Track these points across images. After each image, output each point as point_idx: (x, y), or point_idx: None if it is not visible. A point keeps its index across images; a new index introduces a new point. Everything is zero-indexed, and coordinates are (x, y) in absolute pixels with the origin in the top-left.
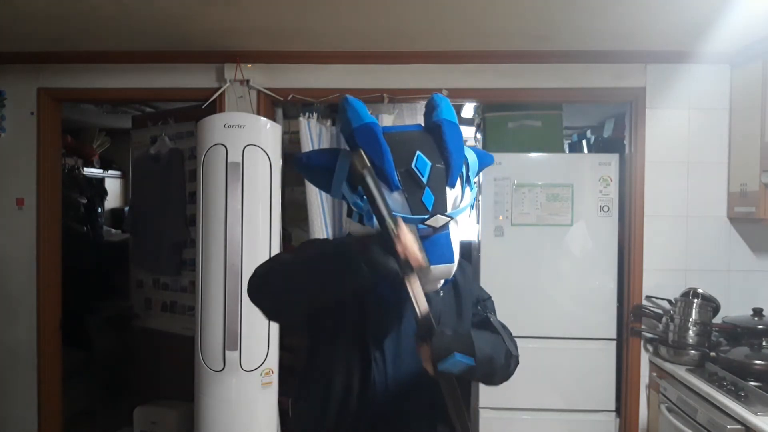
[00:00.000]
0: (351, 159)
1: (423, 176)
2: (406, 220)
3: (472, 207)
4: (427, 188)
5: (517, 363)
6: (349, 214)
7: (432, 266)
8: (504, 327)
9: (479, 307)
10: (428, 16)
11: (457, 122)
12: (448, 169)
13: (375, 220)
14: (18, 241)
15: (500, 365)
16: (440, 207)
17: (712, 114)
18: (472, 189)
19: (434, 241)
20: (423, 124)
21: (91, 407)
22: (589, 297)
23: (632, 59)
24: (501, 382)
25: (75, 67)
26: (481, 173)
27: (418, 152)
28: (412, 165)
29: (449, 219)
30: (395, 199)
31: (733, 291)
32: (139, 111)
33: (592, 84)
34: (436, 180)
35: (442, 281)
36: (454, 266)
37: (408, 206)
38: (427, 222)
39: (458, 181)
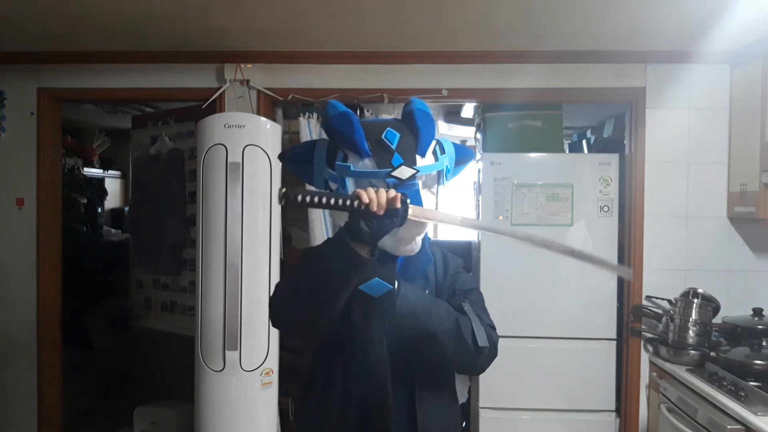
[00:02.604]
0: (328, 143)
1: (392, 144)
2: (371, 175)
3: (445, 179)
4: (396, 153)
5: (490, 355)
6: None
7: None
8: (481, 318)
9: (456, 296)
10: (428, 16)
11: (429, 112)
12: (417, 140)
13: (348, 187)
14: (18, 241)
15: (446, 330)
16: (409, 165)
17: (712, 114)
18: (448, 170)
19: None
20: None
21: (91, 407)
22: (589, 297)
23: (632, 59)
24: (463, 364)
25: (75, 67)
26: (480, 173)
27: (388, 128)
28: (382, 136)
29: (415, 171)
30: (366, 165)
31: (733, 291)
32: (139, 111)
33: (592, 84)
34: (405, 148)
35: (418, 240)
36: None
37: (377, 168)
38: (393, 174)
39: (431, 155)
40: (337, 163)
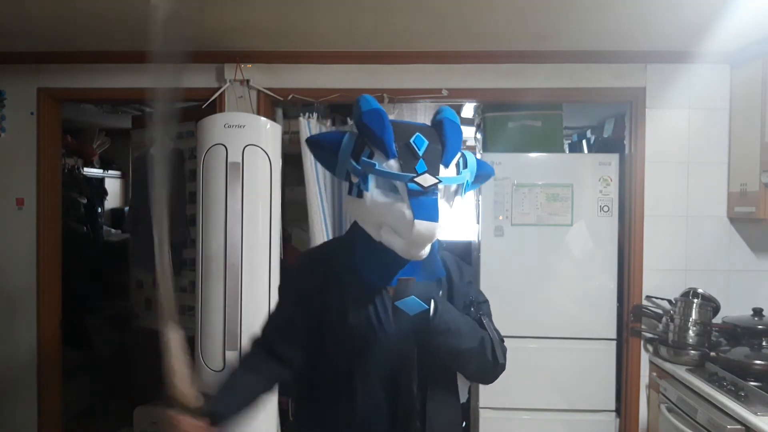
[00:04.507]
0: (356, 137)
1: (419, 150)
2: (394, 176)
3: (464, 192)
4: (421, 159)
5: (502, 368)
6: (350, 191)
7: (416, 220)
8: (496, 332)
9: (473, 309)
10: (428, 16)
11: (459, 123)
12: (443, 150)
13: (369, 184)
14: (18, 241)
15: (473, 348)
16: (432, 174)
17: (712, 114)
18: (468, 183)
19: (421, 201)
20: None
21: (91, 407)
22: (589, 297)
23: (632, 59)
24: (482, 377)
25: (75, 67)
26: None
27: (417, 133)
28: (411, 140)
29: (437, 181)
30: (391, 166)
31: (733, 291)
32: (139, 111)
33: (592, 84)
34: (431, 156)
35: (428, 247)
36: (437, 227)
37: (401, 171)
38: (415, 179)
39: (453, 167)
40: (363, 158)
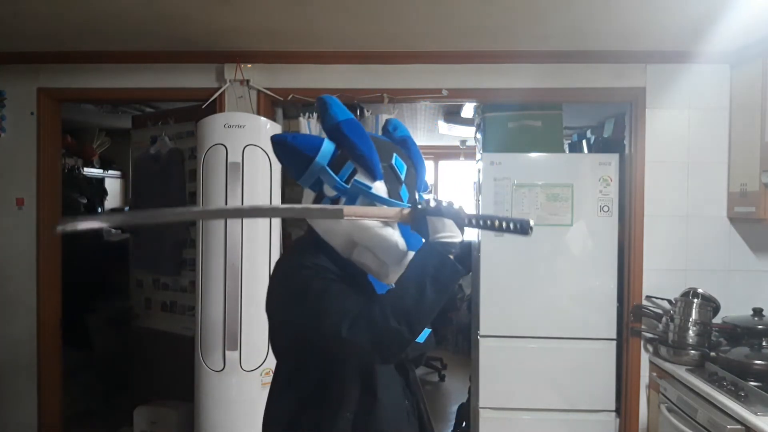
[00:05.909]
0: (335, 146)
1: (401, 173)
2: (395, 205)
3: None
4: (403, 184)
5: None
6: (317, 201)
7: (409, 251)
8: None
9: None
10: (428, 16)
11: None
12: (417, 174)
13: (357, 204)
14: (18, 241)
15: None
16: (411, 200)
17: (712, 114)
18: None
19: (411, 231)
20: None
21: (91, 407)
22: (589, 297)
23: (632, 59)
24: None
25: (75, 67)
26: (480, 173)
27: (395, 154)
28: (392, 162)
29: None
30: (378, 189)
31: (733, 291)
32: (139, 111)
33: (592, 84)
34: (410, 180)
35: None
36: None
37: (389, 196)
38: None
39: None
40: (356, 180)
